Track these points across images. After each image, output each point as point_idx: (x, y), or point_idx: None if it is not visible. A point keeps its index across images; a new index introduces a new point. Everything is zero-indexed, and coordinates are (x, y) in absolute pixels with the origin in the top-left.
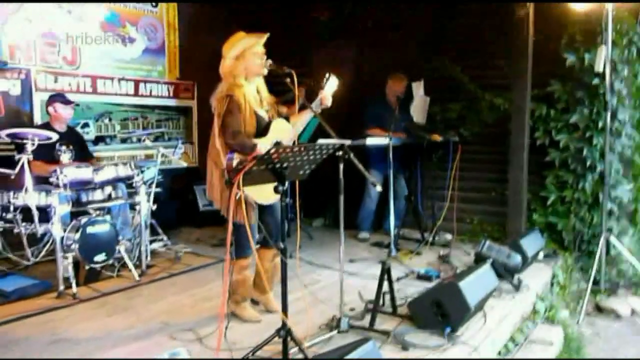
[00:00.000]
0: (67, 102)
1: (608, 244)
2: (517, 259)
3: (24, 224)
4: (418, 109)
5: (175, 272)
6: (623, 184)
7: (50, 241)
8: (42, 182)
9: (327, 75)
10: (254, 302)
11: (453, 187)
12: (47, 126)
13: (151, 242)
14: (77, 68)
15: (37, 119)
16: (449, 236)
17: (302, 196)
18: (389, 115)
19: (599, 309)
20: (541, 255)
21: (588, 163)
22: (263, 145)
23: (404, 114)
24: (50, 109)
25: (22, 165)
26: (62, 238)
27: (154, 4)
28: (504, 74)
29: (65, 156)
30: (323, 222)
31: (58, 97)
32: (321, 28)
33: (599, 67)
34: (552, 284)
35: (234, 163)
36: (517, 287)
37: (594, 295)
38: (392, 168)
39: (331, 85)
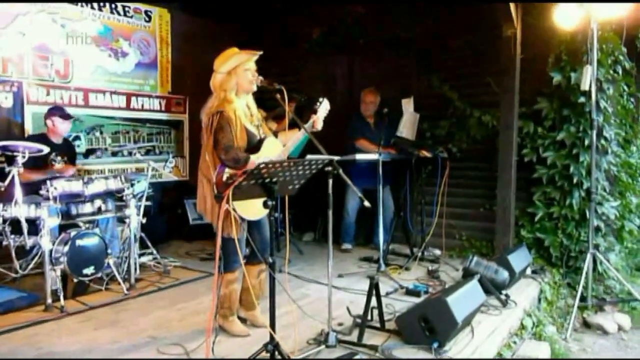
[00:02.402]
0: (66, 117)
1: (595, 260)
2: (505, 274)
3: (12, 236)
4: (408, 125)
5: (163, 285)
6: (609, 201)
7: (39, 254)
8: (32, 193)
9: (320, 99)
10: (241, 319)
11: (442, 202)
12: (43, 137)
13: (140, 255)
14: (69, 81)
15: (29, 131)
16: (437, 252)
17: (292, 211)
18: (368, 129)
19: (586, 325)
20: (529, 271)
21: (575, 180)
22: (256, 159)
23: (387, 129)
24: (49, 121)
25: (12, 178)
26: (51, 251)
27: (147, 18)
28: (492, 92)
29: (59, 166)
30: (313, 237)
31: (57, 111)
32: (312, 44)
33: (585, 86)
34: (539, 300)
35: (224, 177)
36: (504, 303)
37: (581, 311)
38: (380, 183)
39: (324, 109)
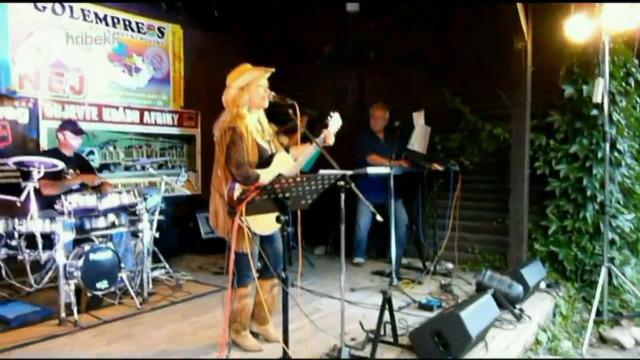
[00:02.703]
0: (77, 132)
1: (610, 273)
2: (519, 288)
3: (27, 250)
4: (419, 139)
5: (176, 299)
6: (624, 214)
7: (53, 268)
8: (47, 207)
9: (331, 114)
10: (254, 334)
11: (454, 216)
12: (55, 151)
13: (153, 269)
14: (83, 97)
15: (44, 146)
16: (450, 265)
17: (303, 224)
18: (377, 144)
19: (602, 340)
20: (543, 284)
21: (588, 193)
22: (266, 176)
23: (399, 143)
24: (60, 135)
25: (28, 193)
26: (65, 265)
27: (159, 34)
28: (504, 105)
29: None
30: (325, 250)
31: (69, 126)
32: (324, 59)
33: (597, 99)
34: (554, 314)
35: (235, 193)
36: (518, 317)
37: (597, 325)
38: (392, 197)
39: (335, 124)
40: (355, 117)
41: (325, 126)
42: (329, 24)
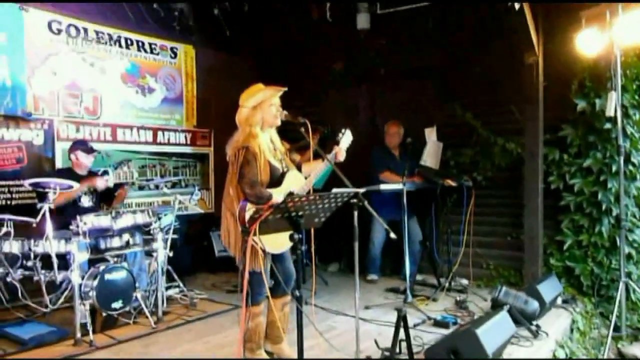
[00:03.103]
0: (88, 151)
1: (628, 288)
2: (535, 305)
3: (43, 271)
4: (431, 155)
5: (190, 318)
6: None
7: (69, 288)
8: (62, 228)
9: (343, 130)
10: (268, 353)
11: (468, 231)
12: (69, 170)
13: (167, 288)
14: (97, 118)
15: (59, 167)
16: (465, 281)
17: (317, 241)
18: (392, 161)
19: (621, 356)
20: (559, 300)
21: (604, 207)
22: (278, 195)
23: (411, 160)
24: (72, 155)
25: (44, 214)
26: (81, 285)
27: (172, 55)
28: (516, 119)
29: (85, 198)
30: (338, 267)
31: (80, 145)
32: (335, 76)
33: (610, 112)
34: (571, 330)
35: (247, 213)
36: (535, 334)
37: (616, 341)
38: (405, 213)
39: (346, 140)
40: (368, 133)
41: (337, 143)
42: (340, 41)
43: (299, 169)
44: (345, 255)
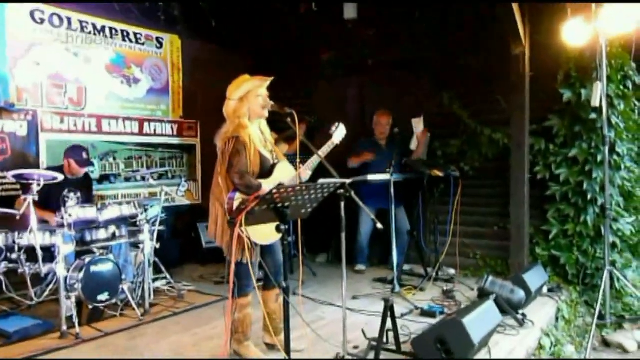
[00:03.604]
0: (82, 164)
1: (612, 277)
2: (521, 294)
3: (27, 263)
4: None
5: (178, 310)
6: (625, 217)
7: (54, 281)
8: (47, 221)
9: (336, 124)
10: (268, 346)
11: (455, 221)
12: (60, 169)
13: (154, 280)
14: (82, 109)
15: (43, 159)
16: (452, 271)
17: (305, 233)
18: (378, 151)
19: (605, 344)
20: (545, 289)
21: (589, 196)
22: (268, 185)
23: (399, 150)
24: (65, 162)
25: (28, 206)
26: (66, 278)
27: (158, 45)
28: (503, 110)
29: (72, 202)
30: (326, 258)
31: (74, 156)
32: (324, 67)
33: (595, 102)
34: (557, 319)
35: (235, 203)
36: (521, 323)
37: (600, 329)
38: (392, 203)
39: (339, 134)
40: (357, 124)
41: (330, 137)
42: (329, 32)
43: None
44: (334, 246)
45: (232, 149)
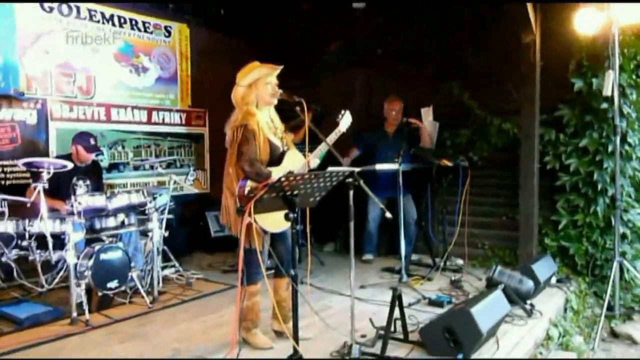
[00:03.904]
0: (89, 149)
1: (622, 268)
2: (529, 284)
3: (38, 251)
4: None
5: (186, 298)
6: (635, 208)
7: (64, 268)
8: (57, 209)
9: (342, 111)
10: (277, 333)
11: (464, 212)
12: (69, 158)
13: (163, 268)
14: (91, 97)
15: (52, 147)
16: (460, 261)
17: (313, 222)
18: (384, 143)
19: (614, 335)
20: (554, 280)
21: (599, 187)
22: (277, 174)
23: (408, 139)
24: (73, 148)
25: (38, 194)
26: (76, 265)
27: (166, 34)
28: (513, 99)
29: (81, 190)
30: (334, 248)
31: (82, 142)
32: (330, 57)
33: (607, 92)
34: (565, 310)
35: (246, 191)
36: (529, 313)
37: (609, 320)
38: (401, 193)
39: (346, 121)
40: (364, 116)
41: (336, 124)
42: (336, 21)
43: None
44: (341, 236)
45: (241, 137)
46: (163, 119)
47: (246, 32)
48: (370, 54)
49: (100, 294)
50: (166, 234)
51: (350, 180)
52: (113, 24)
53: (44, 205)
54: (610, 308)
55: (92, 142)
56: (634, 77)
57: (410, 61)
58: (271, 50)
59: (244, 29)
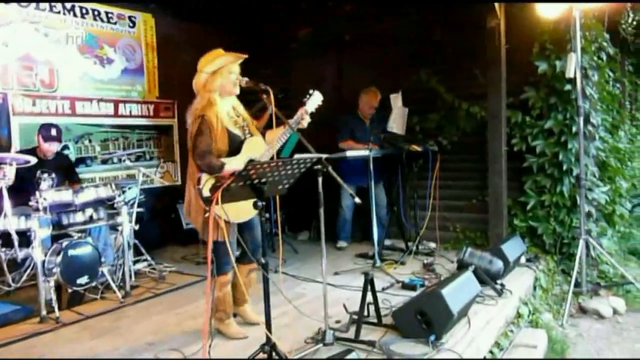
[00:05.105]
0: (47, 139)
1: (588, 245)
2: (499, 264)
3: (3, 249)
4: (397, 120)
5: (159, 291)
6: (599, 186)
7: (32, 265)
8: (21, 204)
9: (310, 91)
10: (234, 315)
11: (435, 196)
12: (33, 152)
13: (135, 262)
14: (54, 90)
15: (15, 142)
16: (432, 245)
17: (287, 210)
18: (361, 127)
19: (582, 310)
20: (523, 259)
21: (564, 167)
22: (233, 164)
23: (378, 126)
24: (37, 138)
25: (0, 190)
26: (44, 262)
27: (131, 24)
28: (480, 83)
29: (45, 184)
30: (308, 236)
31: (42, 131)
32: (300, 44)
33: (570, 74)
34: (534, 288)
35: (202, 182)
36: (500, 292)
37: (577, 296)
38: (372, 179)
39: (314, 101)
40: (335, 102)
41: (303, 104)
42: (307, 7)
43: (264, 137)
44: (315, 224)
45: (196, 129)
46: (130, 111)
47: (213, 21)
48: (340, 40)
49: (70, 290)
50: (137, 228)
51: (318, 166)
52: (75, 15)
53: (7, 201)
54: (577, 285)
55: (54, 132)
56: (595, 58)
57: (379, 46)
58: (239, 37)
59: (212, 17)
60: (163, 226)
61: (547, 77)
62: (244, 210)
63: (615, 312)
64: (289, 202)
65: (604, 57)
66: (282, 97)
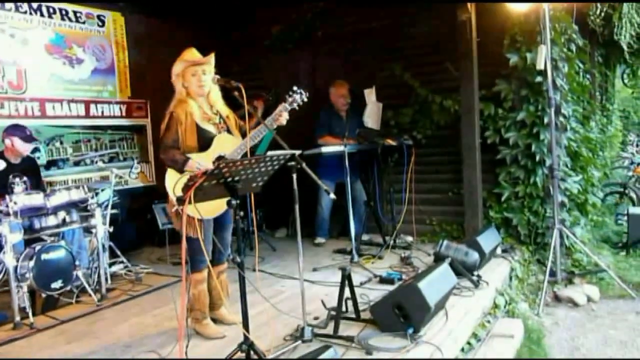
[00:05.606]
0: (27, 139)
1: (562, 235)
2: (475, 256)
3: None
4: (371, 115)
5: (136, 293)
6: (572, 176)
7: (3, 271)
8: None
9: (294, 87)
10: (213, 320)
11: (411, 189)
12: (1, 155)
13: (111, 264)
14: (23, 92)
15: None
16: (409, 238)
17: (264, 208)
18: (338, 123)
19: (557, 299)
20: (499, 250)
21: (537, 158)
22: (199, 159)
23: (355, 121)
24: (7, 140)
25: None
26: (16, 267)
27: (100, 23)
28: (453, 77)
29: (19, 188)
30: (286, 233)
31: (18, 133)
32: (273, 40)
33: (540, 65)
34: (510, 278)
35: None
36: (476, 284)
37: (552, 285)
38: (348, 175)
39: (297, 100)
40: (309, 98)
41: (284, 100)
42: (279, 5)
43: (244, 135)
44: (293, 221)
45: (165, 125)
46: (102, 112)
47: (184, 17)
48: (314, 36)
49: (44, 295)
50: (111, 230)
51: (292, 163)
52: (42, 15)
53: None
54: (552, 274)
55: (28, 132)
56: (565, 50)
57: (354, 41)
58: (211, 34)
59: (182, 13)
60: (139, 227)
61: (518, 70)
62: (213, 206)
63: (589, 299)
64: (266, 200)
65: (574, 49)
66: (275, 99)
